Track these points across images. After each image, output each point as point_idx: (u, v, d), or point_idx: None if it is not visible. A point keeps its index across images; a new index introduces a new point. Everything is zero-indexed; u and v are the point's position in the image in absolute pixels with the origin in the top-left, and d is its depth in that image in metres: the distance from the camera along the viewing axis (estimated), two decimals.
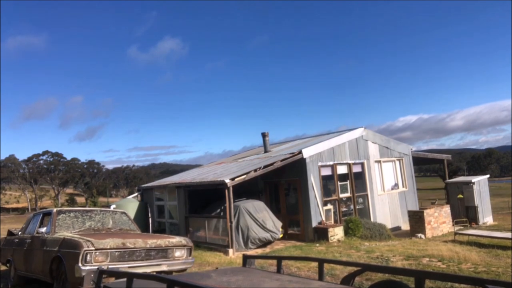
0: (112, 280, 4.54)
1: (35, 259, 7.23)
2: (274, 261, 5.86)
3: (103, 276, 4.18)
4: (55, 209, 7.92)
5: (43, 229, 7.39)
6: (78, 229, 7.47)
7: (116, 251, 6.04)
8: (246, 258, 4.82)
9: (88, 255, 5.78)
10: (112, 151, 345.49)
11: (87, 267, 5.61)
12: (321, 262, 4.18)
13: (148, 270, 6.22)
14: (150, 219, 15.60)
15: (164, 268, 6.45)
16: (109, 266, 5.75)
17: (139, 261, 6.25)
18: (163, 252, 6.57)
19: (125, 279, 3.53)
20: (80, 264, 5.68)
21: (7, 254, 8.89)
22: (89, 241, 5.92)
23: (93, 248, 5.81)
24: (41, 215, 8.31)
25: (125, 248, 6.13)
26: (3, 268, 10.01)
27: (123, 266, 5.92)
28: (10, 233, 9.54)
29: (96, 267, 5.43)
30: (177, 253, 6.73)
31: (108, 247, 5.97)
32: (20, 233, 8.84)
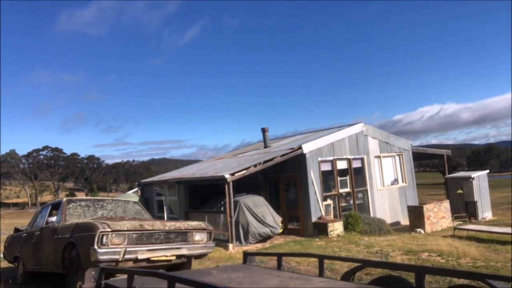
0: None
1: (46, 250, 6.85)
2: (274, 256, 5.88)
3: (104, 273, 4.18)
4: (64, 199, 7.53)
5: (53, 219, 7.00)
6: (90, 217, 7.03)
7: (133, 233, 5.67)
8: (246, 255, 4.83)
9: (105, 237, 5.38)
10: (124, 144, 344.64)
11: (103, 250, 5.30)
12: (321, 258, 4.19)
13: (167, 253, 5.93)
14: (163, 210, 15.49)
15: (184, 252, 6.10)
16: (127, 249, 5.48)
17: (158, 244, 5.85)
18: (182, 235, 6.19)
19: (125, 276, 3.52)
20: (96, 247, 5.29)
21: (15, 251, 8.56)
22: (104, 223, 5.56)
23: (110, 230, 5.42)
24: (50, 207, 7.88)
25: (143, 230, 5.75)
26: (4, 265, 10.03)
27: (141, 249, 5.64)
28: (16, 230, 9.22)
29: (113, 250, 5.26)
30: (197, 237, 6.36)
31: (125, 228, 5.60)
32: (27, 228, 8.47)
